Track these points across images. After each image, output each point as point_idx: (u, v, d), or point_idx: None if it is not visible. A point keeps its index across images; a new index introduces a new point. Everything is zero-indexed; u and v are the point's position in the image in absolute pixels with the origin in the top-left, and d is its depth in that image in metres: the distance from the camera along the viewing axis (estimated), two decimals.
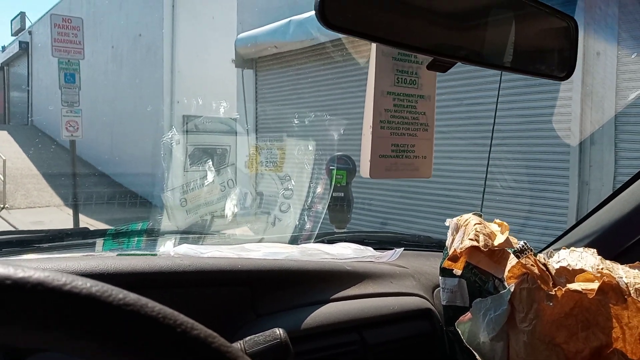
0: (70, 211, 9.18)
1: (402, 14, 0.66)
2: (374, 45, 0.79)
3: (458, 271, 0.93)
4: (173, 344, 0.37)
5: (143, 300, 0.37)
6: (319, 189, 1.55)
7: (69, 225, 8.53)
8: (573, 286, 0.80)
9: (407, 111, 0.84)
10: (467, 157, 5.05)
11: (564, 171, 4.66)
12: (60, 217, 10.16)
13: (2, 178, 11.39)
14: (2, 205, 10.86)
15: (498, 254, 0.89)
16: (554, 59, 0.80)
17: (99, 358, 0.36)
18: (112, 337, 0.35)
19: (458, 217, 0.98)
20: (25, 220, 9.70)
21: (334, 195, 3.87)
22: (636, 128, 4.28)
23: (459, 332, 0.90)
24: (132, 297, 0.37)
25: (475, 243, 0.86)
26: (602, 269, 0.90)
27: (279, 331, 0.62)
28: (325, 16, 0.59)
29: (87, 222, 8.73)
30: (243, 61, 8.07)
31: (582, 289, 0.80)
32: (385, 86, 0.81)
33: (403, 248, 1.25)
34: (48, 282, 0.34)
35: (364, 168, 0.83)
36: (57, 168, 12.31)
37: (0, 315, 0.32)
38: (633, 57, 4.24)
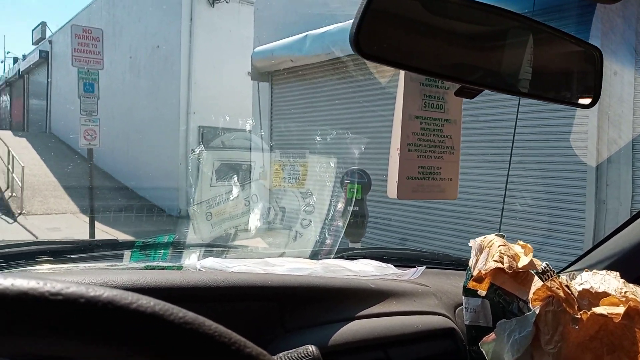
0: (87, 218, 9.29)
1: (433, 45, 0.69)
2: (402, 71, 0.81)
3: (482, 292, 0.94)
4: None
5: (201, 319, 0.39)
6: (339, 205, 1.57)
7: (85, 231, 8.62)
8: (599, 310, 0.81)
9: (434, 134, 0.86)
10: (484, 173, 5.05)
11: (581, 189, 4.64)
12: (76, 224, 10.28)
13: (20, 184, 11.56)
14: (19, 211, 11.01)
15: (522, 276, 0.90)
16: (580, 88, 0.81)
17: None
18: (174, 354, 0.37)
19: (482, 238, 1.00)
20: (42, 226, 9.83)
21: (349, 208, 3.89)
22: None
23: (483, 352, 0.91)
24: (190, 315, 0.39)
25: (499, 264, 0.88)
26: (625, 292, 0.91)
27: (311, 348, 0.64)
28: (360, 46, 0.61)
29: (103, 229, 8.83)
30: (259, 74, 8.15)
31: (608, 313, 0.81)
32: (413, 110, 0.83)
33: (424, 266, 1.26)
34: (117, 300, 0.36)
35: (391, 189, 0.85)
36: (74, 176, 12.47)
37: (75, 332, 0.35)
38: None
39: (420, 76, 0.83)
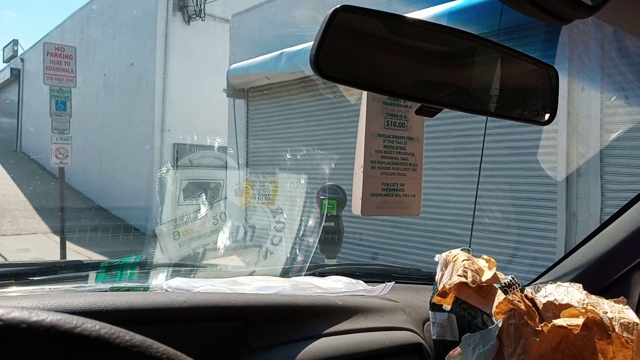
0: (57, 238, 9.08)
1: (393, 65, 0.70)
2: (364, 91, 0.82)
3: (447, 306, 0.95)
4: None
5: (148, 341, 0.39)
6: (311, 222, 1.57)
7: (56, 252, 8.42)
8: (559, 322, 0.83)
9: (397, 152, 0.87)
10: (455, 188, 5.11)
11: (552, 202, 4.73)
12: (46, 245, 10.04)
13: None
14: None
15: (486, 290, 0.91)
16: (537, 106, 0.84)
17: None
18: None
19: (447, 253, 1.01)
20: (12, 247, 9.57)
21: (324, 225, 3.89)
22: (621, 160, 4.38)
23: None
24: (138, 338, 0.39)
25: (463, 279, 0.89)
26: (587, 304, 0.93)
27: None
28: (320, 67, 0.62)
29: (75, 249, 8.64)
30: (234, 91, 8.16)
31: (568, 325, 0.82)
32: (375, 129, 0.84)
33: (394, 282, 1.27)
34: (60, 325, 0.36)
35: (356, 206, 0.86)
36: (45, 195, 12.22)
37: (17, 357, 0.34)
38: (612, 100, 4.36)
39: (382, 96, 0.84)
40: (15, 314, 0.35)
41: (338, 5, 0.62)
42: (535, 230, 4.80)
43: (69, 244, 8.49)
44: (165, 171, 1.33)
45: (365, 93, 0.83)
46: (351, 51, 0.67)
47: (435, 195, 5.17)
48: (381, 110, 0.84)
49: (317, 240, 1.56)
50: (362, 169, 0.85)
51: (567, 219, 4.60)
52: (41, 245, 10.02)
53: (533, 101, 0.84)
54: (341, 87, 5.58)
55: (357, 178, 0.86)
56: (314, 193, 3.83)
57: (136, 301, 0.77)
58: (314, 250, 1.52)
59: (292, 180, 1.42)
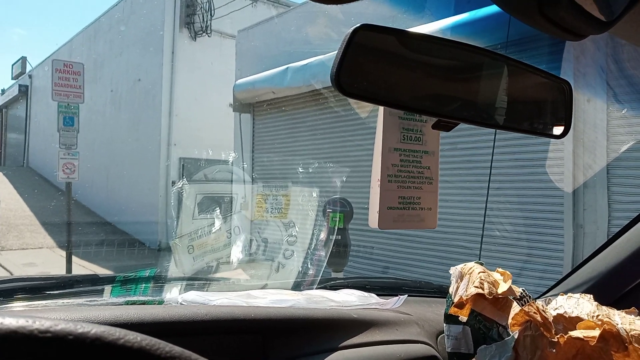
0: (63, 253, 9.11)
1: (409, 82, 0.72)
2: (381, 107, 0.84)
3: (464, 318, 0.95)
4: None
5: (187, 352, 0.40)
6: (322, 235, 1.58)
7: (62, 266, 8.44)
8: (575, 333, 0.83)
9: (413, 166, 0.89)
10: (464, 200, 5.11)
11: (559, 214, 4.72)
12: (52, 259, 10.06)
13: None
14: None
15: (502, 302, 0.92)
16: (551, 119, 0.85)
17: None
18: None
19: (462, 265, 1.02)
20: (18, 262, 9.60)
21: (331, 237, 3.89)
22: (628, 172, 4.37)
23: None
24: (177, 349, 0.40)
25: (480, 290, 0.90)
26: (598, 315, 0.93)
27: None
28: (341, 84, 0.64)
29: (80, 263, 8.66)
30: (241, 106, 8.22)
31: (584, 337, 0.82)
32: (392, 143, 0.86)
33: (407, 295, 1.27)
34: (105, 337, 0.37)
35: (373, 219, 0.87)
36: (51, 210, 12.27)
37: None
38: (619, 111, 4.36)
39: (398, 110, 0.86)
40: (62, 326, 0.36)
41: (358, 25, 0.63)
42: (542, 242, 4.79)
43: (74, 259, 8.52)
44: (180, 185, 1.35)
45: (381, 108, 0.85)
46: (370, 68, 0.68)
47: (444, 209, 5.16)
48: (397, 124, 0.85)
49: (328, 253, 1.57)
50: (379, 183, 0.86)
51: (575, 231, 4.59)
52: (47, 259, 10.04)
53: (548, 115, 0.85)
54: (352, 102, 5.61)
55: (373, 192, 0.88)
56: (321, 207, 3.84)
57: (159, 314, 0.78)
58: (325, 263, 1.53)
59: (304, 194, 1.44)
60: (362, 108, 5.69)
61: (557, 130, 0.85)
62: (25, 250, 10.81)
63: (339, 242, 4.33)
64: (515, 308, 0.89)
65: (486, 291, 0.91)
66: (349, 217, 4.50)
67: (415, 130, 0.88)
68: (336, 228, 4.31)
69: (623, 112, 4.42)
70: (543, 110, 0.85)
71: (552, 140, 4.76)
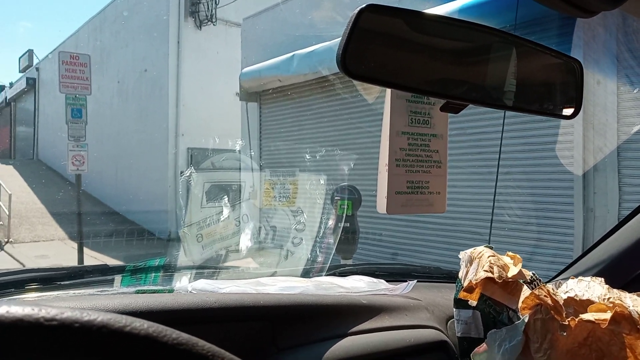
0: (75, 245, 9.19)
1: (418, 62, 0.70)
2: (388, 89, 0.83)
3: (473, 302, 0.95)
4: None
5: (194, 339, 0.40)
6: (330, 222, 1.57)
7: (74, 258, 8.52)
8: (586, 316, 0.83)
9: (421, 149, 0.88)
10: (473, 185, 5.09)
11: (569, 198, 4.68)
12: (64, 251, 10.16)
13: (7, 212, 11.44)
14: (6, 240, 10.88)
15: (512, 286, 0.91)
16: (562, 99, 0.84)
17: None
18: None
19: (471, 250, 1.01)
20: (30, 254, 9.71)
21: (340, 225, 3.89)
22: (638, 154, 4.32)
23: None
24: (184, 336, 0.40)
25: (490, 274, 0.89)
26: (609, 298, 0.92)
27: None
28: (347, 67, 0.63)
29: (91, 254, 8.74)
30: (247, 94, 8.21)
31: (595, 319, 0.82)
32: (400, 127, 0.85)
33: (416, 280, 1.27)
34: (111, 324, 0.37)
35: (381, 204, 0.87)
36: (62, 202, 12.37)
37: (71, 356, 0.35)
38: (629, 93, 4.30)
39: (406, 93, 0.85)
40: (69, 314, 0.36)
41: (363, 5, 0.62)
42: (553, 227, 4.76)
43: (86, 250, 8.60)
44: (188, 174, 1.34)
45: (388, 92, 0.84)
46: (377, 50, 0.67)
47: (453, 194, 5.15)
48: (405, 108, 0.84)
49: (337, 240, 1.56)
50: (386, 167, 0.85)
51: (585, 215, 4.55)
52: (59, 251, 10.15)
53: (558, 95, 0.84)
54: (359, 86, 5.58)
55: (381, 176, 0.87)
56: (329, 194, 3.84)
57: (168, 302, 0.78)
58: (334, 249, 1.53)
59: (312, 181, 1.43)
60: (369, 93, 5.66)
61: (568, 110, 0.83)
62: (37, 242, 10.93)
63: (347, 230, 4.33)
64: (526, 292, 0.89)
65: (496, 275, 0.90)
66: (357, 204, 4.50)
67: (423, 113, 0.87)
68: (344, 215, 4.30)
69: (634, 93, 4.36)
70: (553, 90, 0.84)
71: (562, 123, 4.72)
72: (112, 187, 12.87)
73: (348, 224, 4.36)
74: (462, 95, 0.75)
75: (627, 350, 0.84)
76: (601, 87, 4.52)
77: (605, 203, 4.46)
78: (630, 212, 1.42)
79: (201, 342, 0.40)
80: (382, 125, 0.86)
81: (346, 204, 4.28)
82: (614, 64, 4.47)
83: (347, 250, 4.34)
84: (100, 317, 0.37)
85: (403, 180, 0.86)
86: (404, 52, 0.70)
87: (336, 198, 4.12)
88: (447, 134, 0.91)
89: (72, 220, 9.67)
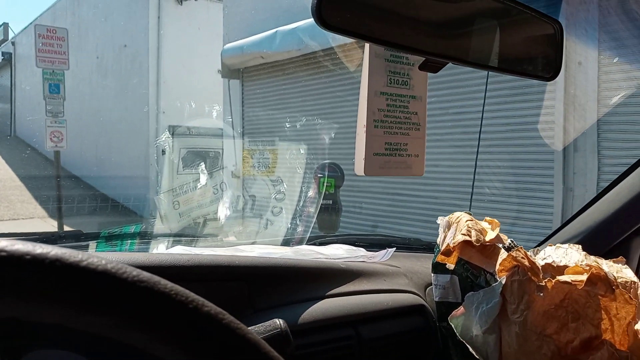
0: (55, 223, 9.08)
1: (396, 16, 0.69)
2: (367, 47, 0.81)
3: (451, 265, 0.95)
4: (185, 320, 0.38)
5: (156, 278, 0.38)
6: (311, 193, 1.56)
7: None
8: (563, 278, 0.83)
9: (400, 111, 0.86)
10: (454, 164, 5.12)
11: (549, 178, 4.73)
12: (44, 229, 10.03)
13: None
14: None
15: (489, 249, 0.91)
16: (541, 60, 0.83)
17: (113, 333, 0.37)
18: (126, 312, 0.36)
19: (450, 215, 1.01)
20: (9, 232, 9.56)
21: (322, 202, 3.89)
22: (618, 136, 4.37)
23: (452, 326, 0.92)
24: (145, 274, 0.38)
25: (467, 237, 0.89)
26: (586, 264, 0.92)
27: (279, 321, 0.63)
28: (322, 17, 0.61)
29: None
30: (229, 71, 8.09)
31: (572, 281, 0.82)
32: (378, 87, 0.83)
33: (395, 248, 1.27)
34: (65, 258, 0.35)
35: (359, 166, 0.85)
36: (41, 179, 12.17)
37: (20, 289, 0.33)
38: (615, 60, 4.32)
39: (385, 52, 0.83)
40: (19, 246, 0.34)
41: None
42: (532, 205, 4.82)
43: (66, 228, 8.49)
44: (163, 139, 1.32)
45: (367, 51, 0.82)
46: (354, 0, 0.65)
47: (434, 169, 5.17)
48: (384, 67, 0.82)
49: (317, 211, 1.55)
50: (364, 129, 0.84)
51: (564, 194, 4.61)
52: (39, 229, 10.01)
53: (537, 56, 0.83)
54: (341, 54, 5.53)
55: (359, 138, 0.85)
56: (312, 167, 3.82)
57: (140, 259, 0.76)
58: (314, 220, 1.52)
59: (292, 150, 1.42)
60: (350, 60, 5.60)
61: (547, 72, 0.82)
62: (16, 220, 10.75)
63: (330, 207, 4.32)
64: (503, 254, 0.89)
65: (473, 238, 0.90)
66: (340, 182, 4.48)
67: (402, 73, 0.85)
68: (327, 193, 4.29)
69: (614, 75, 4.39)
70: (533, 50, 0.83)
71: (543, 104, 4.75)
72: (92, 165, 12.69)
73: (330, 202, 4.35)
74: (440, 52, 0.73)
75: (603, 312, 0.85)
76: (582, 68, 4.55)
77: (585, 183, 4.51)
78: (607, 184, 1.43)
79: (163, 281, 0.39)
80: (361, 85, 0.84)
81: (329, 181, 4.27)
82: (595, 45, 4.49)
83: (329, 227, 4.34)
84: (54, 251, 0.35)
85: (381, 142, 0.85)
86: (383, 4, 0.68)
87: (319, 175, 4.10)
88: (426, 96, 0.89)
89: (52, 198, 9.53)
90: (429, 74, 0.85)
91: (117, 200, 11.23)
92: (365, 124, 0.84)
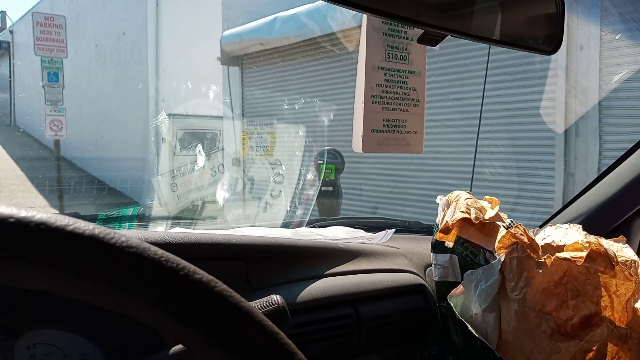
0: (56, 212, 9.08)
1: None
2: (364, 21, 0.79)
3: (450, 243, 0.94)
4: (176, 286, 0.37)
5: (145, 244, 0.38)
6: (310, 176, 1.55)
7: None
8: (562, 254, 0.82)
9: (398, 86, 0.85)
10: (454, 149, 5.10)
11: (550, 163, 4.72)
12: None
13: None
14: None
15: (489, 227, 0.90)
16: (542, 34, 0.81)
17: (100, 299, 0.36)
18: (114, 278, 0.35)
19: (449, 194, 1.00)
20: None
21: (323, 189, 3.88)
22: (620, 121, 4.35)
23: (452, 305, 0.92)
24: (134, 240, 0.37)
25: (466, 215, 0.88)
26: (586, 241, 0.92)
27: (276, 297, 0.62)
28: None
29: None
30: (228, 58, 8.05)
31: (572, 257, 0.81)
32: (376, 61, 0.82)
33: (394, 230, 1.26)
34: (51, 222, 0.34)
35: (357, 143, 0.84)
36: (42, 169, 12.16)
37: (3, 252, 0.32)
38: (617, 44, 4.28)
39: (383, 26, 0.81)
40: (3, 209, 0.33)
41: None
42: (533, 190, 4.81)
43: None
44: (160, 120, 1.30)
45: (364, 24, 0.80)
46: None
47: (435, 154, 5.16)
48: (382, 41, 0.81)
49: (316, 194, 1.55)
50: (362, 105, 0.83)
51: (565, 179, 4.60)
52: None
53: (539, 29, 0.81)
54: (340, 35, 5.49)
55: (357, 114, 0.84)
56: (311, 151, 3.80)
57: (134, 236, 0.75)
58: (313, 203, 1.51)
59: (290, 132, 1.40)
60: (350, 41, 5.56)
61: (549, 45, 0.81)
62: None
63: (330, 194, 4.31)
64: (502, 232, 0.88)
65: (473, 216, 0.89)
66: (340, 169, 4.48)
67: (401, 48, 0.83)
68: (327, 180, 4.28)
69: (616, 59, 4.36)
70: (534, 24, 0.81)
71: (544, 89, 4.72)
72: (92, 153, 12.66)
73: (331, 188, 4.34)
74: (439, 24, 0.72)
75: (602, 289, 0.84)
76: (584, 52, 4.51)
77: (586, 168, 4.50)
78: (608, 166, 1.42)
79: (154, 248, 0.38)
80: (358, 61, 0.83)
81: (329, 167, 4.26)
82: (597, 29, 4.45)
83: (330, 213, 4.33)
84: (39, 215, 0.34)
85: (379, 118, 0.84)
86: None
87: (319, 162, 4.09)
88: (425, 71, 0.88)
89: (53, 187, 9.53)
90: (429, 48, 0.84)
91: (117, 189, 11.22)
92: (363, 99, 0.83)
